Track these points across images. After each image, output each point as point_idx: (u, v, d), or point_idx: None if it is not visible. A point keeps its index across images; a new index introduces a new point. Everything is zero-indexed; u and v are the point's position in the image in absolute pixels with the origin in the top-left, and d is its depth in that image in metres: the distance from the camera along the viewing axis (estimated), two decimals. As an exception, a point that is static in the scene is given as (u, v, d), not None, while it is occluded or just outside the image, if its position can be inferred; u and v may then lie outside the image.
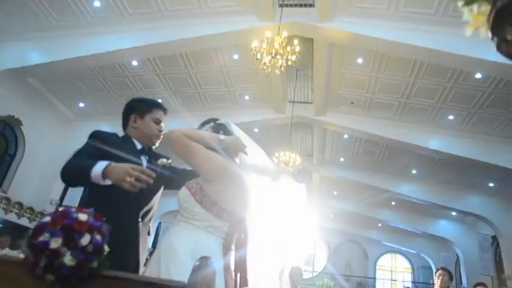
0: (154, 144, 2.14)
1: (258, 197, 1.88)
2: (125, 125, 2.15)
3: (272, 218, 1.95)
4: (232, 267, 1.74)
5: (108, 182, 1.67)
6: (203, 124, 2.01)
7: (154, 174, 1.66)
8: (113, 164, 1.67)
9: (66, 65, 8.92)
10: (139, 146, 2.07)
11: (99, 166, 1.66)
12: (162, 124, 2.13)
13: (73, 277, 1.07)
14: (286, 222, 2.00)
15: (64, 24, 8.30)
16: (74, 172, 1.73)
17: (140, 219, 1.92)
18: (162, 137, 2.15)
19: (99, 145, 1.88)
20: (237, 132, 1.96)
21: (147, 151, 2.10)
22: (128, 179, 1.56)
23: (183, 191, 1.79)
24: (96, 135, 1.97)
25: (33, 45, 8.59)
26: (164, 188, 2.11)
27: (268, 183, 1.97)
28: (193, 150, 1.74)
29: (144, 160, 2.04)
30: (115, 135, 2.05)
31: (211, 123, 1.98)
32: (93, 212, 1.18)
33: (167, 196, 2.23)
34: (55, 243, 1.07)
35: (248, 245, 1.78)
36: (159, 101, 2.34)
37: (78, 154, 1.85)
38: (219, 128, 1.94)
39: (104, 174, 1.64)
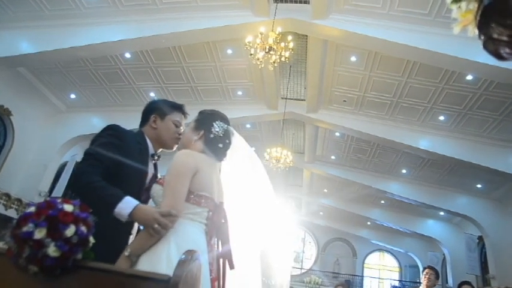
0: (171, 148, 2.07)
1: (233, 180, 1.93)
2: (142, 124, 2.08)
3: (245, 198, 1.99)
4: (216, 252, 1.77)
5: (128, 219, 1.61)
6: (209, 116, 1.98)
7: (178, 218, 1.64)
8: (140, 205, 1.61)
9: (58, 56, 8.82)
10: (151, 149, 2.02)
11: (126, 206, 1.57)
12: (181, 127, 2.08)
13: (57, 268, 1.07)
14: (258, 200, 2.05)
15: (56, 14, 8.20)
16: (93, 199, 1.56)
17: None
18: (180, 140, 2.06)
19: (114, 150, 1.79)
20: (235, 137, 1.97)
21: (157, 158, 2.05)
22: (156, 226, 1.54)
23: (156, 187, 1.86)
24: (114, 134, 1.87)
25: (24, 35, 8.47)
26: None
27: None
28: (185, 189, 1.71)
29: (151, 167, 2.00)
30: (131, 133, 1.96)
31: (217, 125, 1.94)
32: (78, 203, 1.17)
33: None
34: (39, 234, 1.06)
35: (229, 228, 1.81)
36: (176, 102, 2.24)
37: (95, 162, 1.72)
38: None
39: (131, 214, 1.58)
